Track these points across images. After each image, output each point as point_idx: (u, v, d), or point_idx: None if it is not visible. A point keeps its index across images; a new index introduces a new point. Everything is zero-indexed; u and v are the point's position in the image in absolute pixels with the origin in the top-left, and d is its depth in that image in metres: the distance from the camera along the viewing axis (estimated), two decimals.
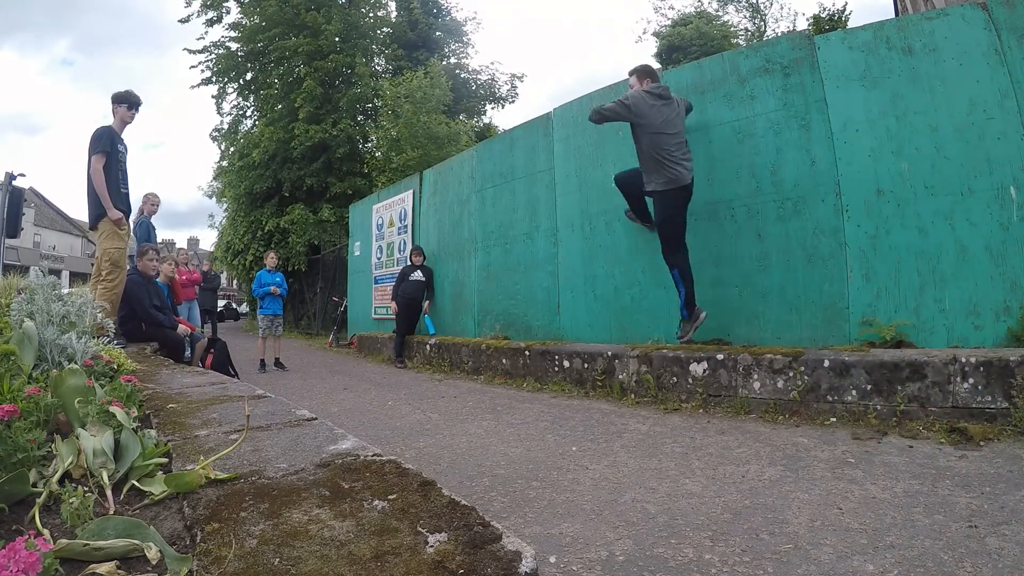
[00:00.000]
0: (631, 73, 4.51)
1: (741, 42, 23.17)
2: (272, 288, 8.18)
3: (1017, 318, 3.33)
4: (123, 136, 4.53)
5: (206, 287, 10.09)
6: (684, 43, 22.24)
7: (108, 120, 4.51)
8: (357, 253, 11.17)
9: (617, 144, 5.40)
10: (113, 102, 4.49)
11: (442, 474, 2.70)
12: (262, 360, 8.15)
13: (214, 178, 22.92)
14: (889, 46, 3.88)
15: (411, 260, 7.87)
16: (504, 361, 5.82)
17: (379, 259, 9.96)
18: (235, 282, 29.18)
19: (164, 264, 6.18)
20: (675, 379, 4.22)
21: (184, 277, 7.62)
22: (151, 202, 6.65)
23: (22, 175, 9.40)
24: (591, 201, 5.60)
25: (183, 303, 7.48)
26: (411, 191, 9.00)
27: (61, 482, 1.05)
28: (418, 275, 7.72)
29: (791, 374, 3.64)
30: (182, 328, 5.13)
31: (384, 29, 19.58)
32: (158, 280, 5.55)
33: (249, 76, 18.44)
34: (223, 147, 19.90)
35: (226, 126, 19.76)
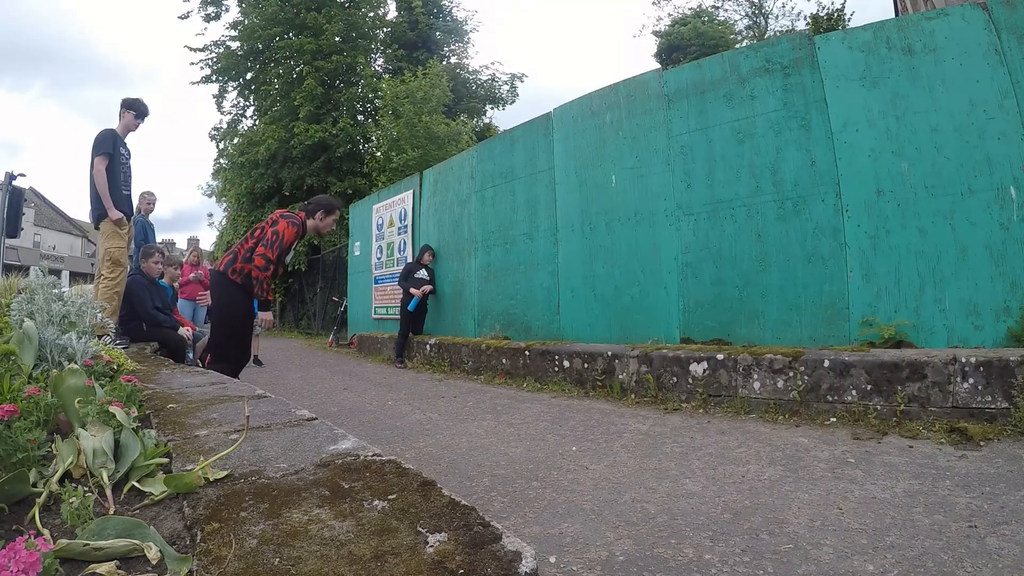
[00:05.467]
0: None
1: (739, 40, 23.18)
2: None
3: (1017, 318, 3.33)
4: (126, 140, 4.57)
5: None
6: (683, 42, 22.24)
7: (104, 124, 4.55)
8: (357, 253, 11.17)
9: (617, 144, 5.40)
10: (122, 107, 4.54)
11: (442, 474, 2.70)
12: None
13: (213, 177, 22.97)
14: (889, 46, 3.88)
15: (421, 259, 7.83)
16: (504, 361, 5.82)
17: (379, 259, 9.96)
18: None
19: (171, 267, 6.21)
20: (675, 379, 4.22)
21: (191, 275, 7.61)
22: (147, 201, 6.65)
23: (22, 175, 9.40)
24: (591, 201, 5.61)
25: (190, 301, 7.51)
26: (411, 191, 9.00)
27: (61, 482, 1.05)
28: (423, 274, 7.69)
29: (791, 374, 3.64)
30: (183, 330, 5.13)
31: (384, 29, 19.60)
32: (162, 282, 5.57)
33: (249, 75, 18.46)
34: (223, 146, 19.92)
35: (225, 125, 19.79)
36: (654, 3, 35.89)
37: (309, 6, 17.07)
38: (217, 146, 20.16)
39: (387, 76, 18.27)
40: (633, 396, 4.41)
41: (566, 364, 5.12)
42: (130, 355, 3.26)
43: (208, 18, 18.12)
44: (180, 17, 18.31)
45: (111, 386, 1.66)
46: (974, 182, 3.53)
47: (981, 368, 3.03)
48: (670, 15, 24.88)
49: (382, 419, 4.14)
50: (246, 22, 17.68)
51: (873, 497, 2.15)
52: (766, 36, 22.92)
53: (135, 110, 4.53)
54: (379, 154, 16.27)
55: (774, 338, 4.18)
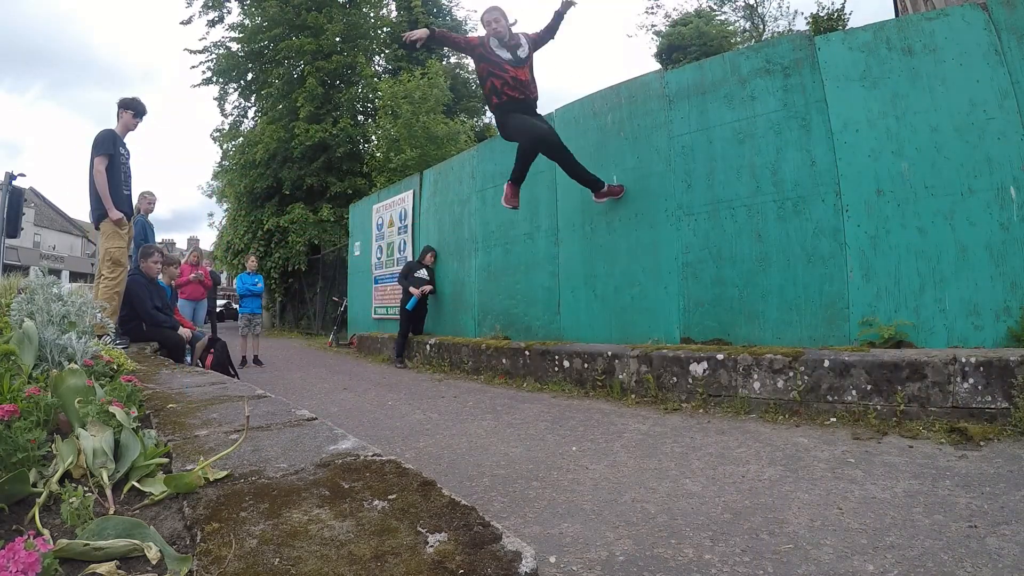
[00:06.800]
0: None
1: (739, 41, 23.16)
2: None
3: (1017, 318, 3.33)
4: (125, 140, 4.57)
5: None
6: (684, 43, 22.22)
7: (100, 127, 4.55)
8: (357, 253, 11.17)
9: (619, 144, 5.40)
10: (119, 107, 4.54)
11: (442, 474, 2.70)
12: (243, 357, 8.54)
13: (214, 178, 22.99)
14: (889, 46, 3.88)
15: (423, 260, 7.83)
16: (504, 361, 5.82)
17: (379, 259, 9.96)
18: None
19: (171, 267, 6.21)
20: (675, 379, 4.22)
21: (191, 275, 7.62)
22: (147, 200, 6.66)
23: (22, 175, 9.42)
24: (591, 201, 5.60)
25: (190, 301, 7.52)
26: (411, 191, 9.00)
27: (61, 482, 1.05)
28: (423, 274, 7.69)
29: (791, 374, 3.64)
30: (184, 331, 5.13)
31: (384, 29, 19.60)
32: (160, 281, 5.57)
33: (250, 76, 18.47)
34: (224, 147, 19.94)
35: (227, 127, 19.80)
36: (648, 11, 35.95)
37: (309, 6, 17.07)
38: (220, 147, 20.16)
39: (387, 76, 18.27)
40: (633, 396, 4.41)
41: (566, 364, 5.11)
42: (130, 355, 3.26)
43: (212, 23, 18.16)
44: (182, 23, 18.38)
45: (111, 386, 1.66)
46: (974, 182, 3.53)
47: (981, 368, 3.03)
48: (668, 16, 24.85)
49: (382, 419, 4.13)
50: (247, 23, 17.69)
51: (873, 497, 2.15)
52: (763, 37, 22.93)
53: (133, 109, 4.54)
54: (379, 154, 16.28)
55: (774, 338, 4.18)
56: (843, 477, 2.40)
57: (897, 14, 10.76)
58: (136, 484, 1.09)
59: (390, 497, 0.99)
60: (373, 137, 17.80)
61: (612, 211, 5.38)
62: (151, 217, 6.78)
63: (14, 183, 9.25)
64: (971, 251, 3.51)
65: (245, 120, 19.97)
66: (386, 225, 9.78)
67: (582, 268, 5.64)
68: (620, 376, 4.58)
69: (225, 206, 22.45)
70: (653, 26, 24.72)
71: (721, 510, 2.12)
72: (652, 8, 34.22)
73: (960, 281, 3.53)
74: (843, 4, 17.51)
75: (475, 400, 4.74)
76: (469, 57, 4.36)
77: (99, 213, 4.36)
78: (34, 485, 1.04)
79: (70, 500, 0.89)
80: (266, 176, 17.42)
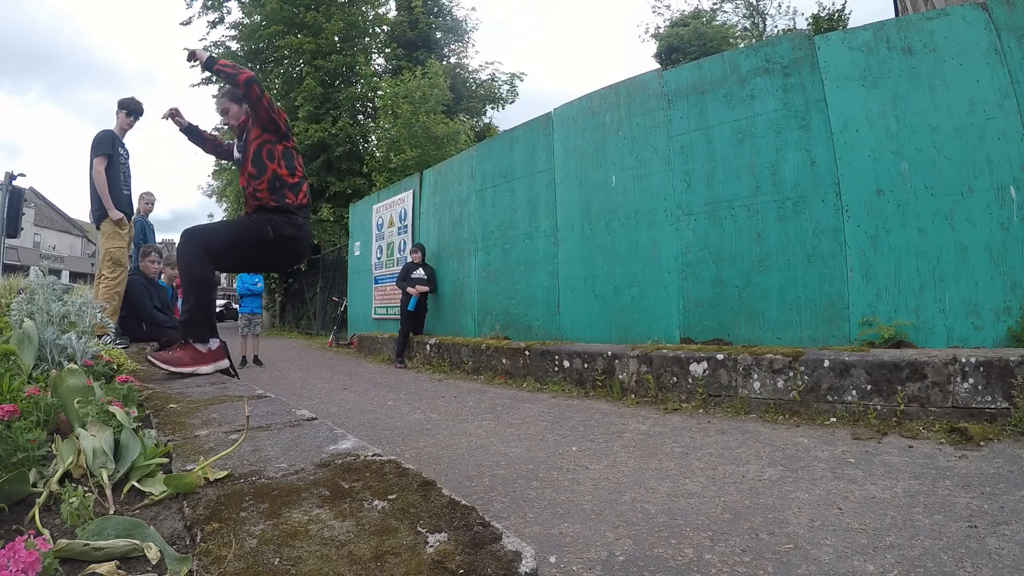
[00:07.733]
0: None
1: (739, 42, 23.16)
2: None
3: (1017, 318, 3.33)
4: (124, 140, 4.59)
5: None
6: (683, 44, 22.24)
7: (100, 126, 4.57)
8: (357, 253, 11.17)
9: (617, 144, 5.40)
10: (118, 108, 4.55)
11: (442, 474, 2.70)
12: (243, 357, 8.44)
13: (214, 177, 23.00)
14: (889, 46, 3.88)
15: (411, 258, 7.86)
16: (504, 361, 5.82)
17: (379, 259, 9.96)
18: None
19: (168, 268, 6.21)
20: (675, 379, 4.22)
21: None
22: (146, 201, 6.67)
23: (22, 175, 9.42)
24: (591, 201, 5.61)
25: None
26: (411, 191, 9.00)
27: (61, 482, 1.05)
28: (420, 274, 7.69)
29: (791, 374, 3.64)
30: None
31: (384, 28, 19.61)
32: (162, 281, 5.56)
33: None
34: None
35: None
36: (654, 11, 36.08)
37: (309, 4, 17.08)
38: None
39: (387, 76, 18.27)
40: (633, 396, 4.41)
41: (566, 364, 5.12)
42: (130, 355, 3.26)
43: (212, 24, 18.20)
44: (182, 23, 18.43)
45: (111, 386, 1.66)
46: (974, 182, 3.53)
47: (981, 368, 3.03)
48: (667, 21, 24.88)
49: (382, 419, 4.13)
50: (247, 22, 17.71)
51: (873, 497, 2.15)
52: (764, 37, 22.94)
53: (127, 109, 4.56)
54: (378, 154, 16.28)
55: (774, 338, 4.18)
56: (843, 477, 2.40)
57: (897, 14, 10.75)
58: (136, 484, 1.09)
59: (390, 497, 0.99)
60: (373, 137, 17.79)
61: (611, 211, 5.38)
62: (151, 217, 6.78)
63: (14, 183, 9.26)
64: (971, 251, 3.51)
65: None
66: (386, 225, 9.78)
67: (582, 268, 5.64)
68: (620, 376, 4.58)
69: (225, 206, 22.46)
70: (657, 28, 24.76)
71: (721, 510, 2.12)
72: (657, 8, 34.36)
73: (960, 281, 3.54)
74: (844, 4, 17.51)
75: (475, 400, 4.74)
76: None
77: (99, 213, 4.37)
78: (34, 485, 1.04)
79: (70, 500, 0.89)
80: None
